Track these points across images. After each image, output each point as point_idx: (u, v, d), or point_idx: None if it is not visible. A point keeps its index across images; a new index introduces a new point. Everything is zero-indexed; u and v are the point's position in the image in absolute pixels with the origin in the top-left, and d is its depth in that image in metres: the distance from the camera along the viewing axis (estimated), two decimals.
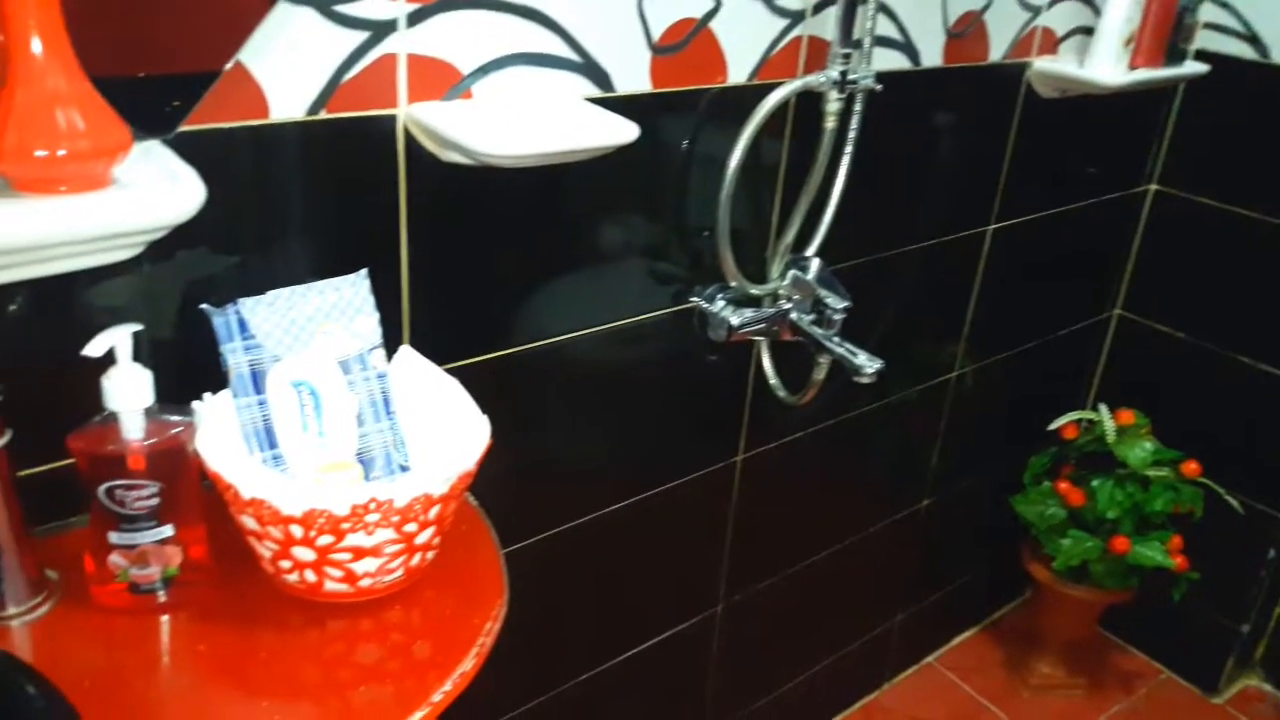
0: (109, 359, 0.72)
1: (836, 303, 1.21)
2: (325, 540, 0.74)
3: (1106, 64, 1.43)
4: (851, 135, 1.23)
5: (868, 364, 1.18)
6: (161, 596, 0.78)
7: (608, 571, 1.36)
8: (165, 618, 0.78)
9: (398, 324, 0.99)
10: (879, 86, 1.18)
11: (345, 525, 0.74)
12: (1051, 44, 1.49)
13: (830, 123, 1.18)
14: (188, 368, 0.80)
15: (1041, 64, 1.47)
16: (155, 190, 0.68)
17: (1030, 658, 2.08)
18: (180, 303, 0.85)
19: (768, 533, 1.55)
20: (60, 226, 0.63)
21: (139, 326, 0.72)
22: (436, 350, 0.94)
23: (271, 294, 0.82)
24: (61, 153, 0.64)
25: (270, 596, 0.80)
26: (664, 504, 1.36)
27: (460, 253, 1.01)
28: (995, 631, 2.20)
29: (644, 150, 1.04)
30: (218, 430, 0.79)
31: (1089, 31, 1.47)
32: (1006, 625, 2.21)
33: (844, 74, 1.14)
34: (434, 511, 0.78)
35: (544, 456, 1.20)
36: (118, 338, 0.71)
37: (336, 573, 0.77)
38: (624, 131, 0.93)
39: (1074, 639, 2.04)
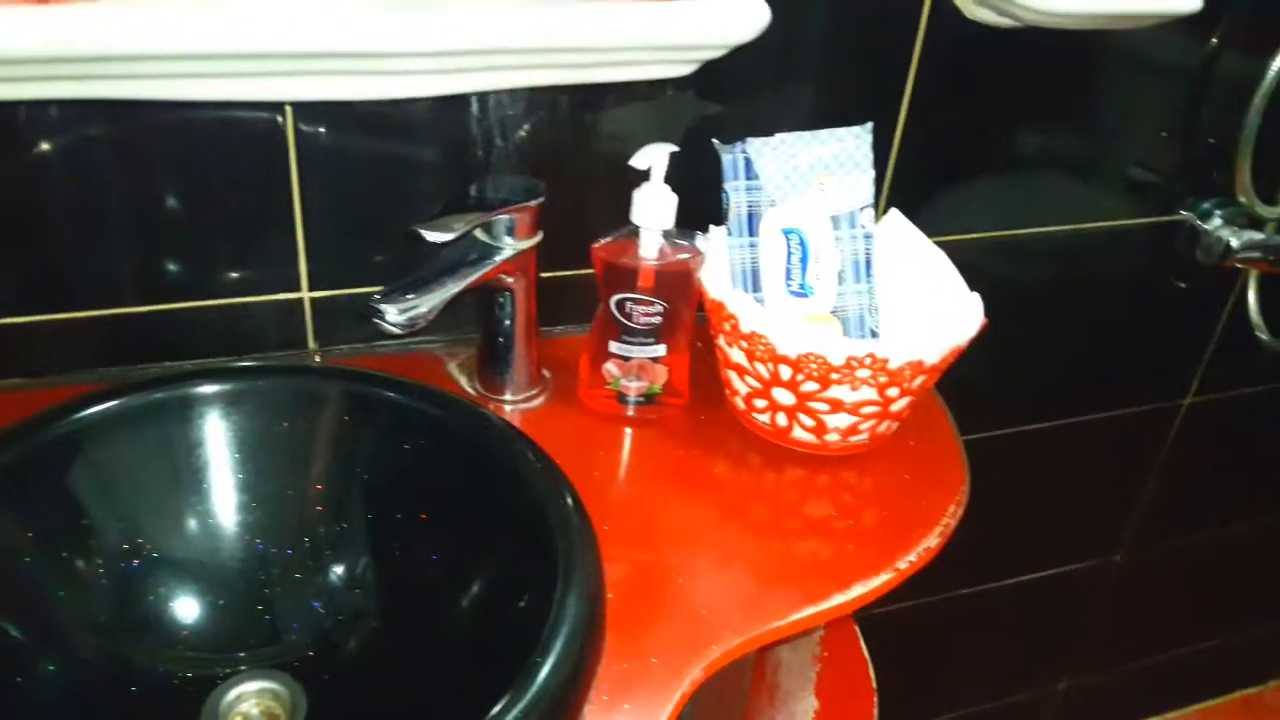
0: (642, 176, 0.74)
1: None
2: (809, 387, 0.74)
3: None
4: None
5: None
6: (640, 410, 0.81)
7: (1011, 492, 1.28)
8: (632, 430, 0.81)
9: (879, 187, 0.95)
10: None
11: (835, 375, 0.72)
12: None
13: None
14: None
15: None
16: (730, 5, 0.67)
17: None
18: (684, 134, 0.86)
19: (1194, 489, 1.40)
20: (652, 29, 0.64)
21: (675, 148, 0.74)
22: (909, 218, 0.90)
23: (777, 137, 0.81)
24: None
25: (733, 433, 0.82)
26: (1089, 434, 1.25)
27: (956, 121, 0.95)
28: None
29: (1175, 32, 0.92)
30: (714, 264, 0.80)
31: None
32: None
33: None
34: (918, 381, 0.75)
35: (975, 356, 1.13)
36: (657, 156, 0.73)
37: (808, 421, 0.77)
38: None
39: None
